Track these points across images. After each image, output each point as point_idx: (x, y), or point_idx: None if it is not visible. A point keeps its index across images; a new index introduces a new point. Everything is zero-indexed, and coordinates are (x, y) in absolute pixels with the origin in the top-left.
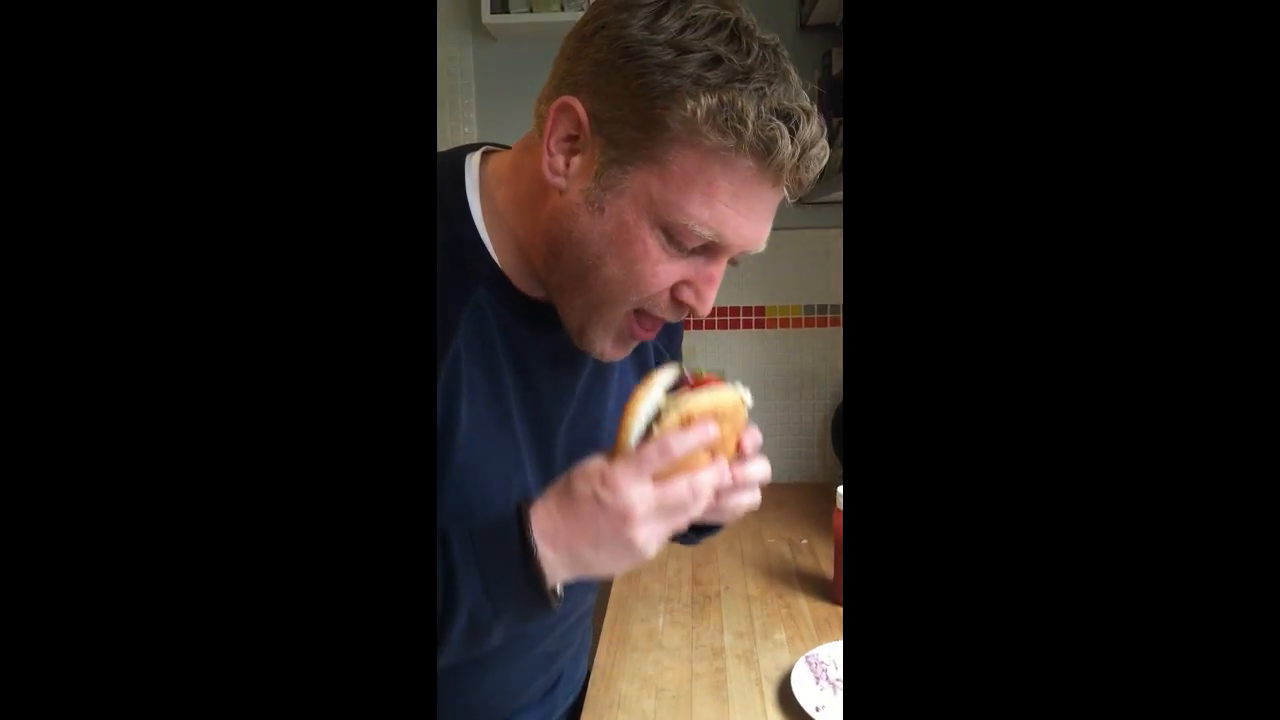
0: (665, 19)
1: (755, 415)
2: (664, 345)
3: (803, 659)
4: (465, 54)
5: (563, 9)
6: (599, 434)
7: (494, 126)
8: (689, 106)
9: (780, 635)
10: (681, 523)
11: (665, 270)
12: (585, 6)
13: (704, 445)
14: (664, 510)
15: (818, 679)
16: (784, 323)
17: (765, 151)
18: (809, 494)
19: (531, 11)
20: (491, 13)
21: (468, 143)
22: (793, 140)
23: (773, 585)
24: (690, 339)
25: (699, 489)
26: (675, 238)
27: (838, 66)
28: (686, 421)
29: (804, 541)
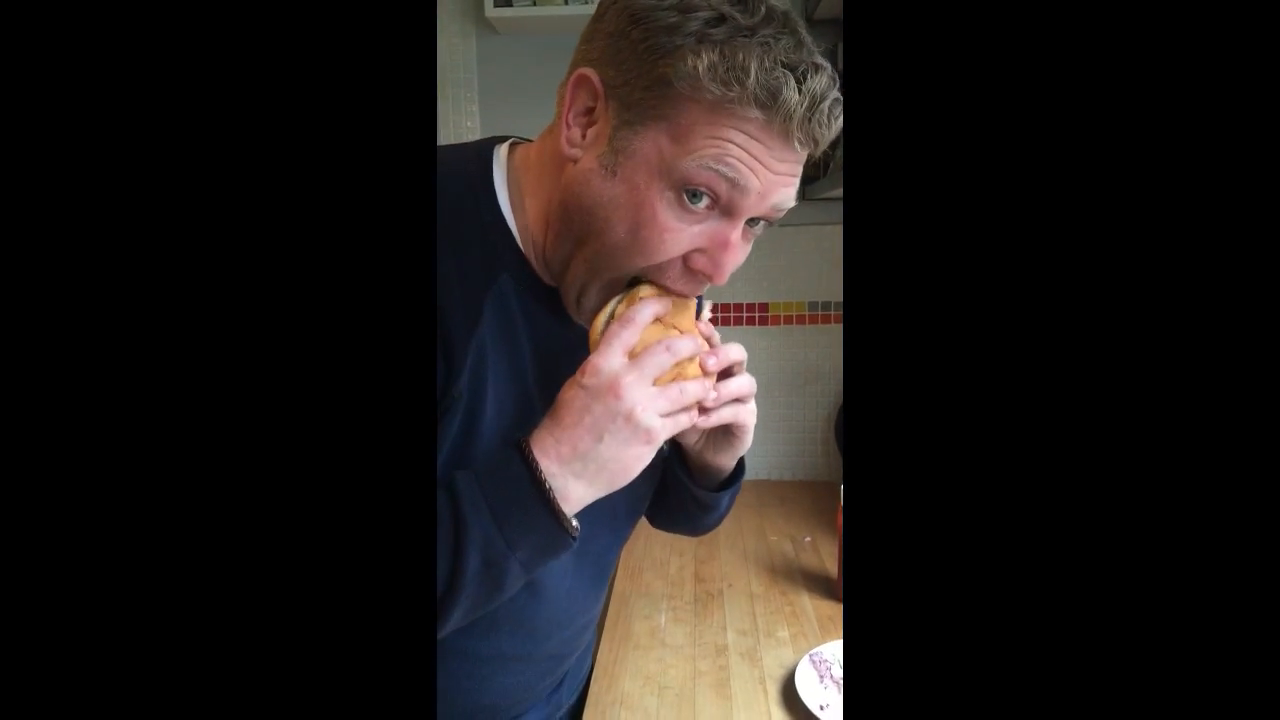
0: None
1: (759, 413)
2: None
3: (806, 657)
4: (468, 46)
5: (566, 2)
6: None
7: (496, 119)
8: (690, 61)
9: (784, 633)
10: (678, 399)
11: (673, 237)
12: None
13: (662, 309)
14: (649, 375)
15: (821, 677)
16: (787, 319)
17: (770, 100)
18: (813, 491)
19: (535, 5)
20: (495, 6)
21: (490, 135)
22: (799, 90)
23: (776, 583)
24: None
25: (676, 349)
26: (689, 189)
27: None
28: (634, 300)
29: (807, 539)
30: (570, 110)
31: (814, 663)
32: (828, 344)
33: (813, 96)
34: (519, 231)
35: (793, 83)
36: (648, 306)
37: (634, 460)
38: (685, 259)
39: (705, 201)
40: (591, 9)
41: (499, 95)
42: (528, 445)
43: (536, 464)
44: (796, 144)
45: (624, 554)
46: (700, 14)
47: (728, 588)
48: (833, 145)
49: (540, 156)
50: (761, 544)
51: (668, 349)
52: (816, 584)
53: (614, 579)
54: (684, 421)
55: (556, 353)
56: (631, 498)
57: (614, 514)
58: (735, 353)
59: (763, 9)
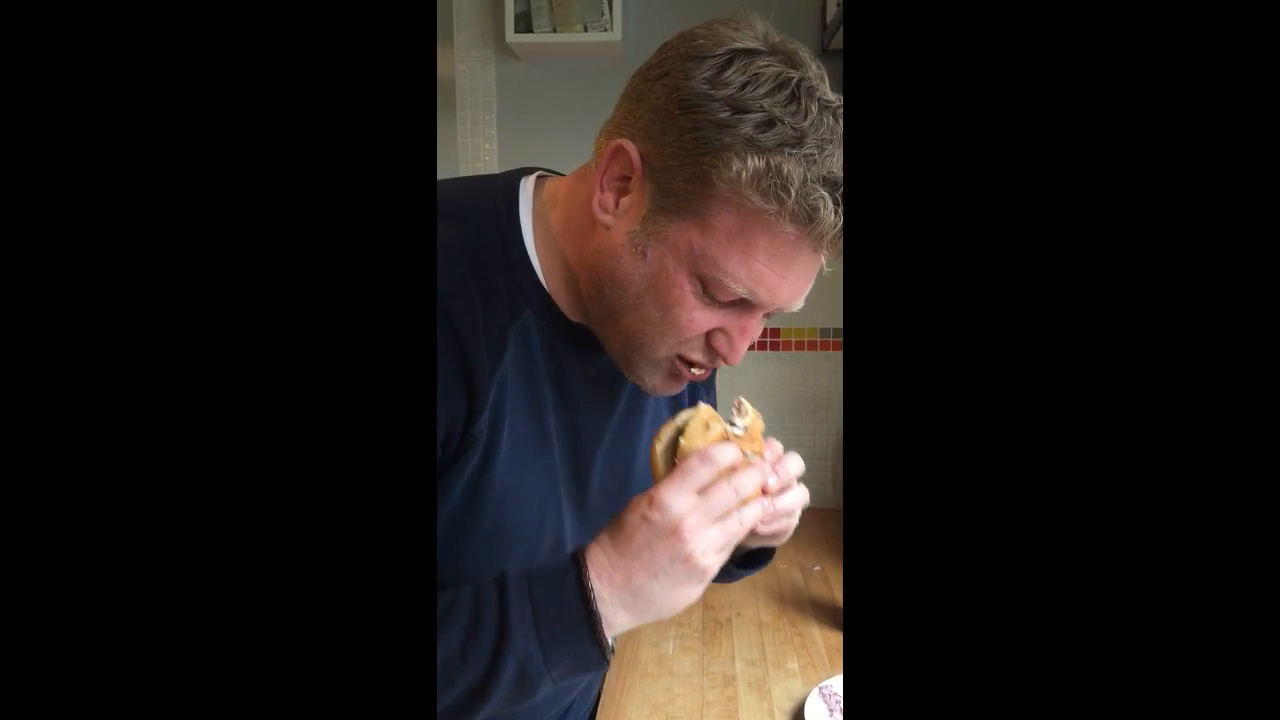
0: (728, 73)
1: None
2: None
3: (816, 690)
4: (488, 72)
5: (586, 29)
6: (634, 464)
7: (514, 145)
8: (734, 167)
9: (793, 664)
10: (736, 532)
11: (701, 317)
12: (609, 26)
13: (738, 458)
14: (713, 517)
15: (831, 711)
16: (799, 345)
17: (808, 220)
18: (822, 519)
19: (555, 31)
20: (515, 32)
21: (518, 167)
22: (836, 210)
23: (785, 612)
24: None
25: (742, 489)
26: (711, 290)
27: None
28: (706, 429)
29: (817, 568)
30: (605, 175)
31: (823, 696)
32: (838, 370)
33: (836, 206)
34: (543, 269)
35: (830, 204)
36: (726, 452)
37: (684, 599)
38: (708, 336)
39: (727, 300)
40: (612, 36)
41: (518, 120)
42: (585, 565)
43: (591, 590)
44: (823, 253)
45: None
46: (752, 116)
47: (736, 616)
48: None
49: (570, 200)
50: (770, 572)
51: (735, 490)
52: (825, 614)
53: None
54: (737, 534)
55: (576, 391)
56: None
57: None
58: (794, 467)
59: (814, 110)
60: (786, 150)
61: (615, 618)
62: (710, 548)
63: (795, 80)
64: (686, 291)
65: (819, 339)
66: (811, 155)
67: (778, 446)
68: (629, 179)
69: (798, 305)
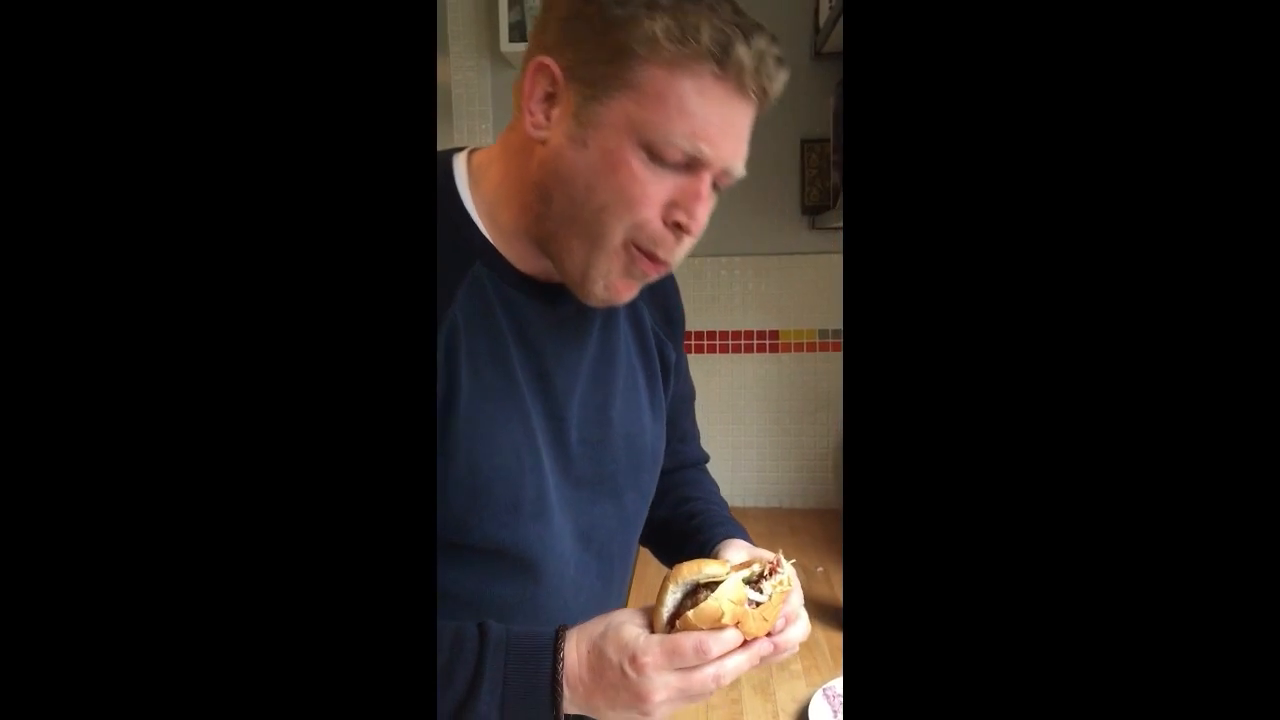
0: None
1: (769, 441)
2: (664, 332)
3: (819, 691)
4: (483, 81)
5: None
6: (610, 413)
7: None
8: (645, 27)
9: (796, 665)
10: (700, 697)
11: (653, 188)
12: None
13: (737, 643)
14: (684, 695)
15: (835, 712)
16: (798, 347)
17: (723, 53)
18: (823, 520)
19: None
20: (510, 41)
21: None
22: (748, 43)
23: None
24: (706, 362)
25: (723, 678)
26: (657, 154)
27: None
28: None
29: (819, 569)
30: (531, 98)
31: (827, 697)
32: (838, 371)
33: (760, 50)
34: (486, 228)
35: (740, 37)
36: (723, 643)
37: None
38: (663, 214)
39: (673, 161)
40: None
41: None
42: (560, 658)
43: (561, 684)
44: (751, 94)
45: (636, 579)
46: None
47: None
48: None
49: (504, 151)
50: None
51: (716, 678)
52: (828, 615)
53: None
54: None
55: (539, 337)
56: (632, 472)
57: (614, 494)
58: (797, 634)
59: None
60: (686, 5)
61: (569, 706)
62: (670, 708)
63: None
64: (634, 163)
65: (818, 340)
66: (711, 6)
67: (795, 603)
68: (554, 93)
69: (738, 163)
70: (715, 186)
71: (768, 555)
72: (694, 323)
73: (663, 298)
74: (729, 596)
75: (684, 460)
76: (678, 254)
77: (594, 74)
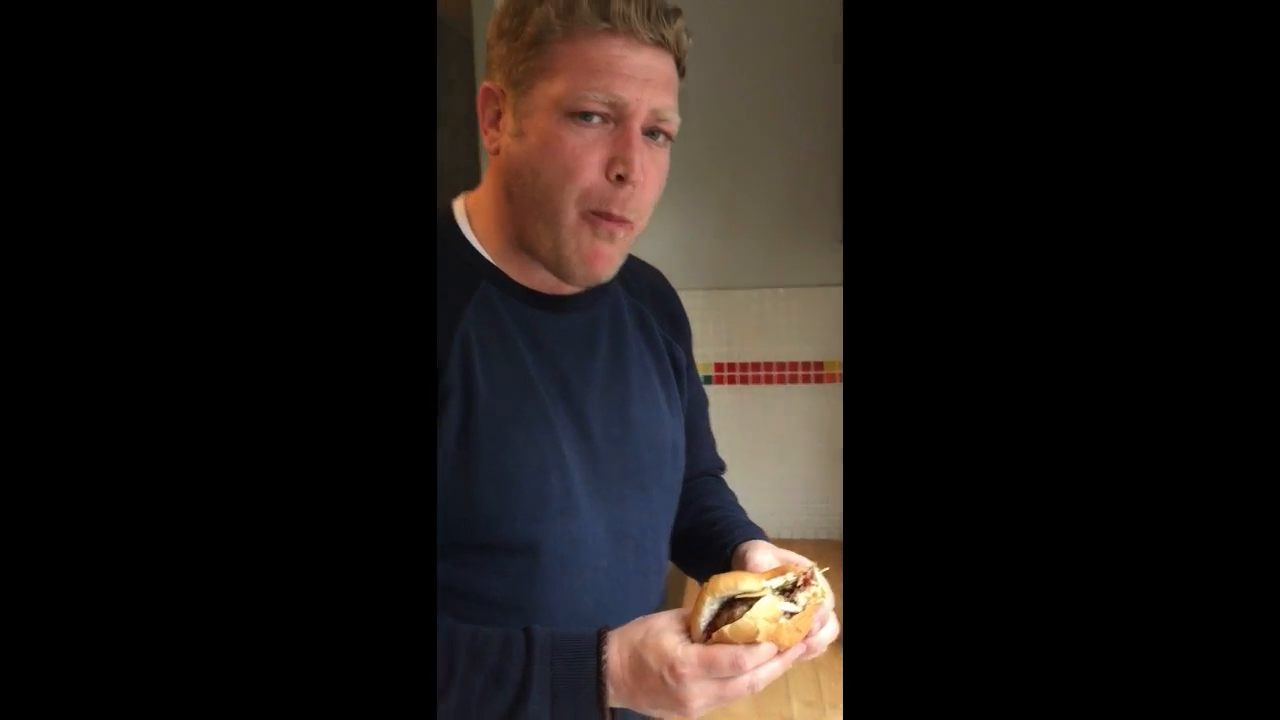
0: None
1: (816, 472)
2: (671, 335)
3: None
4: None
5: None
6: (628, 410)
7: None
8: (537, 15)
9: None
10: (739, 690)
11: (585, 150)
12: None
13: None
14: (721, 700)
15: None
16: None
17: (604, 11)
18: None
19: None
20: None
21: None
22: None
23: (840, 653)
24: (752, 393)
25: (758, 685)
26: (580, 115)
27: None
28: (761, 625)
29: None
30: (484, 122)
31: None
32: None
33: (642, 3)
34: (487, 251)
35: None
36: (759, 657)
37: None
38: (606, 173)
39: (597, 119)
40: None
41: None
42: (604, 659)
43: (606, 684)
44: (650, 41)
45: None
46: None
47: None
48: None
49: (486, 181)
50: None
51: (751, 686)
52: None
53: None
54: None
55: (551, 343)
56: (656, 467)
57: (642, 489)
58: (827, 636)
59: None
60: None
61: (615, 702)
62: (709, 709)
63: None
64: (563, 134)
65: None
66: None
67: (826, 606)
68: (500, 109)
69: (666, 104)
70: (658, 134)
71: (795, 558)
72: (740, 354)
73: (666, 303)
74: (764, 615)
75: (701, 467)
76: (632, 207)
77: (518, 74)
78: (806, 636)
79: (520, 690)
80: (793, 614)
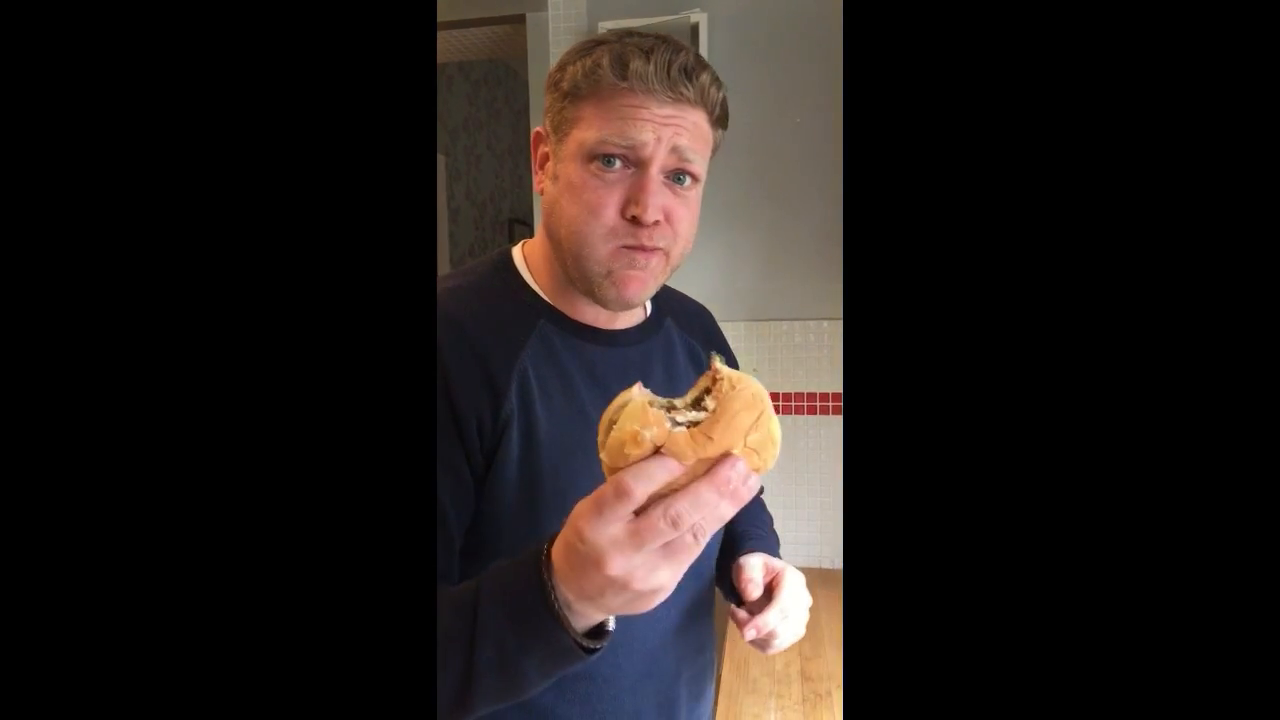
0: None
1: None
2: (702, 344)
3: None
4: None
5: None
6: None
7: None
8: (570, 72)
9: None
10: (684, 551)
11: (606, 193)
12: None
13: (673, 471)
14: (649, 553)
15: None
16: None
17: (624, 68)
18: None
19: None
20: None
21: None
22: (648, 59)
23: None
24: (792, 424)
25: (681, 517)
26: (601, 159)
27: None
28: (634, 439)
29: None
30: (536, 162)
31: None
32: None
33: (664, 61)
34: (543, 291)
35: (640, 55)
36: (647, 479)
37: (635, 608)
38: (623, 214)
39: (617, 162)
40: None
41: None
42: (547, 560)
43: (551, 587)
44: (668, 97)
45: (729, 645)
46: (577, 49)
47: (836, 688)
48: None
49: (539, 227)
50: None
51: (673, 522)
52: None
53: (721, 664)
54: (690, 553)
55: (606, 376)
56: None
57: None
58: (790, 636)
59: (638, 35)
60: (595, 48)
61: (585, 612)
62: (648, 573)
63: (601, 38)
64: (586, 177)
65: None
66: (620, 47)
67: (786, 601)
68: (547, 152)
69: (689, 152)
70: (684, 177)
71: (782, 565)
72: (780, 384)
73: (708, 334)
74: (633, 420)
75: None
76: (660, 237)
77: (557, 121)
78: (730, 457)
79: (474, 610)
80: (696, 423)
